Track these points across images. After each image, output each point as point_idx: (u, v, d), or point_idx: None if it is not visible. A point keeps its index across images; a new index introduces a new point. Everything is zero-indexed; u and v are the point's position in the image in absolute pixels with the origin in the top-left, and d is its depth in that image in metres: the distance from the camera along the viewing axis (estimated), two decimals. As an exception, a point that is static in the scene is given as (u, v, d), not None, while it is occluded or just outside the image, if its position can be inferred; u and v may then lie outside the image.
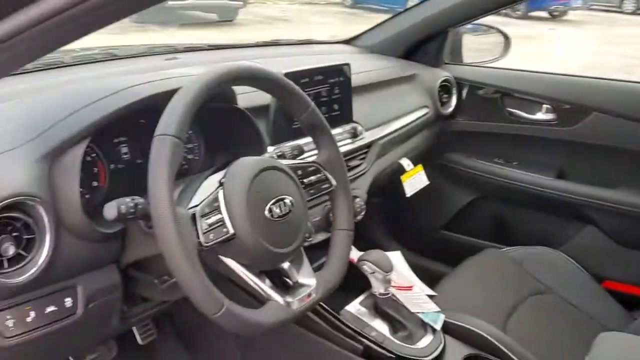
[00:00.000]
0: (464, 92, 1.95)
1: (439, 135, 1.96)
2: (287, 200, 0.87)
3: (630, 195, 1.71)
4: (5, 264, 0.79)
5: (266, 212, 0.84)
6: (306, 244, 1.22)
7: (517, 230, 1.94)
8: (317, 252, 1.07)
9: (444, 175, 2.00)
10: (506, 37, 1.98)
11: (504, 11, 1.49)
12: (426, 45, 1.92)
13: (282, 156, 1.11)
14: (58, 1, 0.51)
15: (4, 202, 0.76)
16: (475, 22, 1.93)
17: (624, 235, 1.75)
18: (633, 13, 13.34)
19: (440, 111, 1.88)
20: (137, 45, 1.53)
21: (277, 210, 0.85)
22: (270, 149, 1.15)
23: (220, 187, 0.83)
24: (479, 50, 2.04)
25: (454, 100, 1.94)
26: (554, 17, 12.41)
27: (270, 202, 0.84)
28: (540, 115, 1.84)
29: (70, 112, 0.88)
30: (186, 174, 1.06)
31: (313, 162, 1.00)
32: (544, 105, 1.83)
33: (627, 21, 12.60)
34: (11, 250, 0.78)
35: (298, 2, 13.66)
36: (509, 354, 1.17)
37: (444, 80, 1.90)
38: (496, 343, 1.18)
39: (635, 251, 1.74)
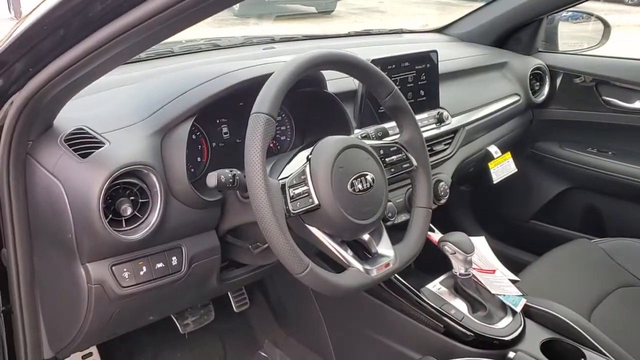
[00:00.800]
0: (558, 80, 1.91)
1: (531, 123, 1.93)
2: (368, 177, 0.93)
3: None
4: (124, 224, 0.91)
5: (348, 187, 0.90)
6: (388, 223, 1.28)
7: (610, 222, 1.88)
8: (399, 233, 1.12)
9: (535, 164, 1.98)
10: (606, 25, 1.92)
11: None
12: (519, 33, 1.90)
13: (366, 137, 1.18)
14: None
15: (123, 169, 0.88)
16: (574, 9, 1.88)
17: None
18: None
19: (531, 99, 1.86)
20: (237, 36, 1.65)
21: (359, 185, 0.92)
22: (356, 131, 1.22)
23: (308, 162, 0.91)
24: (578, 38, 1.99)
25: (546, 89, 1.91)
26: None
27: (353, 177, 0.91)
28: (638, 104, 1.77)
29: (178, 94, 0.99)
30: (277, 153, 1.15)
31: (395, 142, 1.05)
32: (645, 94, 1.76)
33: None
34: (129, 211, 0.91)
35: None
36: (592, 340, 1.15)
37: (536, 68, 1.87)
38: (578, 329, 1.16)
39: None
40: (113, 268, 0.92)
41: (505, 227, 2.08)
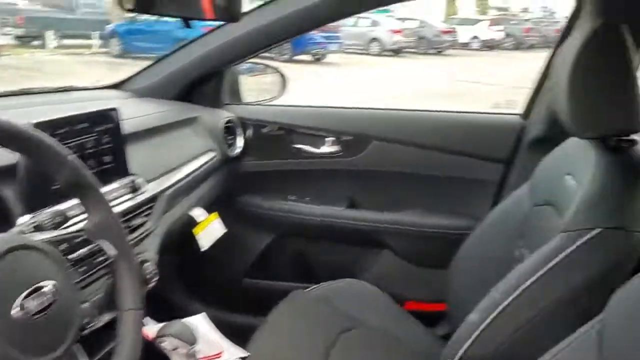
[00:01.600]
0: (250, 132, 1.88)
1: (230, 178, 1.84)
2: (46, 289, 0.65)
3: (416, 216, 1.80)
4: None
5: (15, 310, 0.61)
6: (86, 331, 0.97)
7: (321, 266, 1.91)
8: (106, 334, 0.87)
9: (241, 219, 1.89)
10: (283, 76, 1.97)
11: (270, 55, 1.47)
12: (202, 86, 1.80)
13: (39, 227, 0.87)
14: None
15: None
16: (251, 62, 1.88)
17: (417, 255, 1.82)
18: (378, 55, 15.21)
19: (227, 153, 1.77)
20: None
21: (33, 305, 0.63)
22: (21, 220, 0.90)
23: None
24: (258, 90, 2.00)
25: (240, 141, 1.85)
26: (316, 60, 13.48)
27: (21, 296, 0.62)
28: (325, 148, 1.85)
29: None
30: None
31: (81, 230, 0.79)
32: (328, 138, 1.84)
33: (374, 61, 14.31)
34: None
35: (60, 52, 12.62)
36: None
37: (228, 121, 1.79)
38: None
39: (428, 269, 1.81)
40: None
41: (221, 292, 1.93)
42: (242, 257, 1.94)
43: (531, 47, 18.42)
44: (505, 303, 1.05)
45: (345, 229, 1.83)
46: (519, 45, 18.56)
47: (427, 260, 1.81)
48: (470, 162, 1.75)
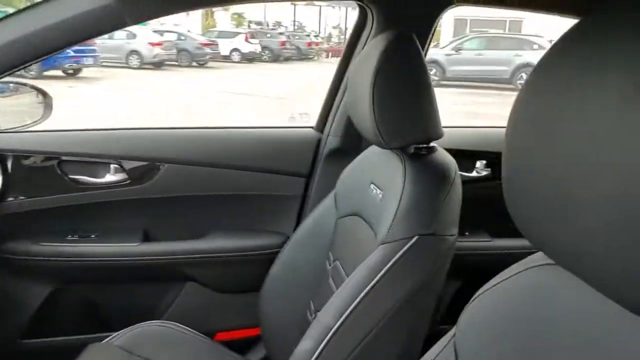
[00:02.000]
0: (10, 165, 1.54)
1: None
2: None
3: (217, 241, 1.68)
4: None
5: None
6: None
7: (117, 312, 1.67)
8: None
9: (8, 270, 1.55)
10: (45, 95, 1.66)
11: (18, 73, 1.22)
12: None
13: None
14: None
15: None
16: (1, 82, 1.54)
17: (224, 283, 1.71)
18: (139, 68, 14.55)
19: None
20: None
21: None
22: None
23: None
24: (16, 113, 1.66)
25: (-2, 178, 1.51)
26: (69, 75, 12.28)
27: None
28: (109, 177, 1.62)
29: None
30: None
31: None
32: (112, 165, 1.61)
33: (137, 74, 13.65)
34: None
35: None
36: None
37: None
38: None
39: (237, 295, 1.72)
40: None
41: None
42: (15, 315, 1.59)
43: (287, 59, 19.59)
44: (337, 324, 1.01)
45: (141, 267, 1.62)
46: (276, 58, 19.53)
47: (235, 286, 1.72)
48: (271, 177, 1.70)
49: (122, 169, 1.62)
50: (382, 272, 1.02)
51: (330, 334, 1.01)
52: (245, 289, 1.70)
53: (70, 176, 1.59)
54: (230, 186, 1.69)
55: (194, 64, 16.48)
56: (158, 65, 15.17)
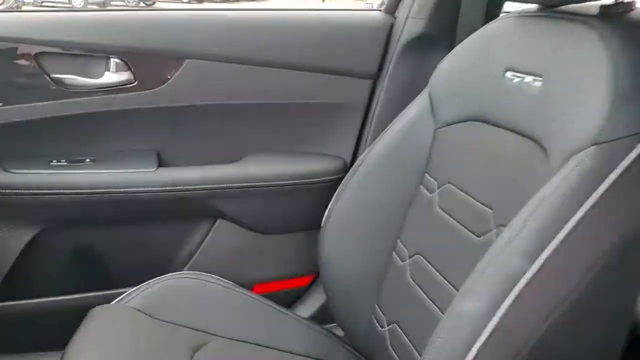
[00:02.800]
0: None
1: None
2: None
3: (255, 166, 1.30)
4: None
5: None
6: None
7: (128, 262, 1.28)
8: None
9: None
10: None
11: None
12: None
13: None
14: None
15: None
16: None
17: (261, 220, 1.35)
18: None
19: None
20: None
21: None
22: None
23: None
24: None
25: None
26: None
27: None
28: (109, 77, 1.17)
29: None
30: None
31: None
32: (112, 60, 1.16)
33: None
34: None
35: None
36: None
37: None
38: None
39: (272, 236, 1.37)
40: None
41: None
42: None
43: None
44: (529, 276, 0.63)
45: (156, 200, 1.23)
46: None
47: (279, 224, 1.37)
48: (323, 79, 1.29)
49: (125, 65, 1.18)
50: (604, 187, 0.64)
51: (522, 283, 0.63)
52: (292, 229, 1.37)
53: (53, 75, 1.14)
54: (271, 91, 1.28)
55: None
56: None
